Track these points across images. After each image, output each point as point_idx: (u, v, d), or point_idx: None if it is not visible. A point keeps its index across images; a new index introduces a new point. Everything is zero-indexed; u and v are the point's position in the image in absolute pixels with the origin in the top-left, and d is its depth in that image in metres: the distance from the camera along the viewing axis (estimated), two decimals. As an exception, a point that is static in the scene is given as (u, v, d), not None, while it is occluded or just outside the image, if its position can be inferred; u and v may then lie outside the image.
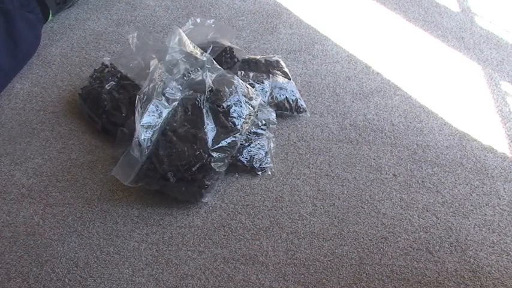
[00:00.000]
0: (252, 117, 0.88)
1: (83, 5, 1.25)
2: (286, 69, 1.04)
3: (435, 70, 1.15)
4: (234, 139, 0.84)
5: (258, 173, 0.90)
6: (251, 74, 0.98)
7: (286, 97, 0.99)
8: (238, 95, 0.87)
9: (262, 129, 0.93)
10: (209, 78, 0.86)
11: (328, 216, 0.85)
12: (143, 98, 0.82)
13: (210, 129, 0.83)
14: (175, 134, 0.82)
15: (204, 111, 0.84)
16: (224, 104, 0.85)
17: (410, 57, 1.18)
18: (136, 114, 0.81)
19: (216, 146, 0.82)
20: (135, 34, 0.98)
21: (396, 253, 0.81)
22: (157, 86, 0.83)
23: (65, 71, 1.08)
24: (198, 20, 1.01)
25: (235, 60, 1.02)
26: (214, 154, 0.81)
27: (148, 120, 0.80)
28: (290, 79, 1.02)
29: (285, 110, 0.99)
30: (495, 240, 0.83)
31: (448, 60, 1.18)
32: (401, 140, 0.98)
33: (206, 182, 0.82)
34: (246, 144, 0.90)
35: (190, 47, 0.90)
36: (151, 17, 1.23)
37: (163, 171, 0.80)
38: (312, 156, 0.94)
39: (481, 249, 0.82)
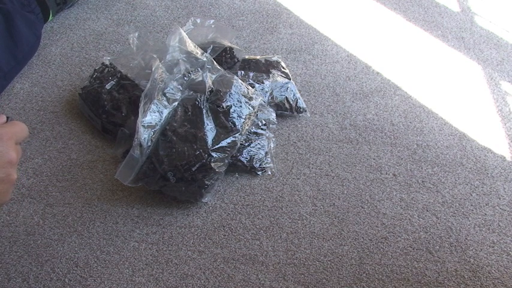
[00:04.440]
0: (252, 117, 0.88)
1: (83, 5, 1.25)
2: (286, 69, 1.04)
3: (435, 70, 1.15)
4: (234, 139, 0.84)
5: (258, 173, 0.90)
6: (251, 74, 0.98)
7: (286, 97, 0.99)
8: (238, 95, 0.87)
9: (262, 129, 0.93)
10: (209, 79, 0.86)
11: (328, 216, 0.85)
12: (145, 97, 0.82)
13: (209, 129, 0.83)
14: (175, 134, 0.82)
15: (204, 111, 0.84)
16: (224, 104, 0.85)
17: (410, 57, 1.18)
18: (139, 114, 0.81)
19: (216, 146, 0.82)
20: (136, 34, 0.98)
21: (396, 253, 0.81)
22: (158, 86, 0.83)
23: (65, 71, 1.08)
24: (198, 20, 1.01)
25: (235, 60, 1.02)
26: (214, 154, 0.81)
27: (150, 120, 0.80)
28: (290, 79, 1.02)
29: (285, 110, 0.99)
30: (495, 240, 0.83)
31: (448, 60, 1.18)
32: (401, 140, 0.98)
33: (206, 182, 0.82)
34: (246, 144, 0.90)
35: (191, 46, 0.90)
36: (151, 17, 1.23)
37: (163, 171, 0.80)
38: (312, 156, 0.94)
39: (481, 249, 0.82)
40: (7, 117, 0.55)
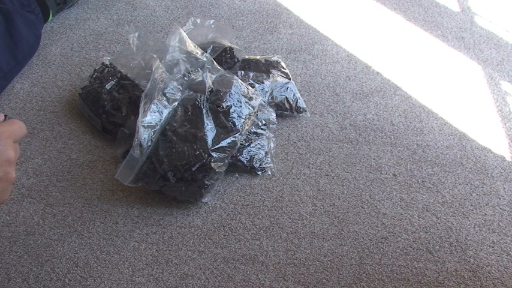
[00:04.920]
0: (252, 117, 0.88)
1: (83, 5, 1.25)
2: (286, 69, 1.04)
3: (435, 70, 1.15)
4: (234, 139, 0.84)
5: (258, 173, 0.90)
6: (251, 74, 0.98)
7: (286, 97, 0.99)
8: (238, 95, 0.87)
9: (262, 129, 0.93)
10: (209, 79, 0.86)
11: (328, 216, 0.85)
12: (145, 97, 0.82)
13: (209, 129, 0.83)
14: (175, 134, 0.82)
15: (204, 111, 0.84)
16: (224, 104, 0.85)
17: (410, 57, 1.18)
18: (140, 114, 0.81)
19: (216, 146, 0.82)
20: (136, 34, 0.98)
21: (396, 253, 0.81)
22: (158, 86, 0.83)
23: (65, 71, 1.08)
24: (198, 21, 1.01)
25: (235, 60, 1.02)
26: (214, 154, 0.81)
27: (150, 120, 0.80)
28: (290, 79, 1.02)
29: (285, 110, 0.99)
30: (495, 240, 0.83)
31: (448, 60, 1.18)
32: (401, 140, 0.98)
33: (206, 182, 0.82)
34: (246, 144, 0.90)
35: (191, 46, 0.90)
36: (151, 17, 1.23)
37: (163, 171, 0.80)
38: (312, 156, 0.94)
39: (481, 249, 0.82)
40: (5, 116, 0.55)
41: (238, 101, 0.87)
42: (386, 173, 0.92)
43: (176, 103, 0.84)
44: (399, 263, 0.79)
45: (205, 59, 0.89)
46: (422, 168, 0.93)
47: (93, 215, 0.83)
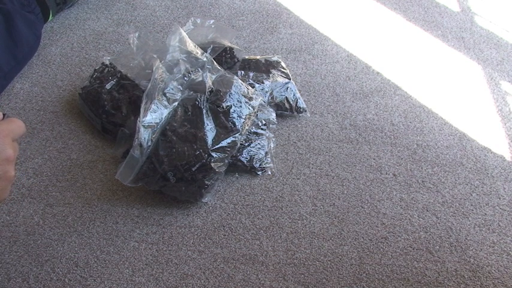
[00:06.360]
0: (252, 117, 0.88)
1: (83, 5, 1.25)
2: (286, 69, 1.04)
3: (435, 70, 1.15)
4: (234, 139, 0.84)
5: (258, 173, 0.90)
6: (251, 74, 0.98)
7: (286, 97, 0.99)
8: (238, 95, 0.87)
9: (262, 129, 0.93)
10: (209, 79, 0.86)
11: (328, 216, 0.85)
12: (146, 97, 0.82)
13: (209, 129, 0.83)
14: (175, 134, 0.82)
15: (204, 111, 0.84)
16: (224, 104, 0.85)
17: (410, 57, 1.18)
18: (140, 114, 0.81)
19: (216, 146, 0.82)
20: (136, 34, 0.98)
21: (396, 253, 0.81)
22: (158, 86, 0.83)
23: (65, 71, 1.08)
24: (198, 21, 1.01)
25: (235, 60, 1.02)
26: (214, 154, 0.81)
27: (150, 120, 0.80)
28: (290, 79, 1.02)
29: (285, 110, 0.99)
30: (495, 240, 0.83)
31: (448, 60, 1.18)
32: (401, 140, 0.98)
33: (206, 182, 0.82)
34: (246, 144, 0.90)
35: (191, 46, 0.90)
36: (151, 17, 1.23)
37: (163, 171, 0.80)
38: (312, 156, 0.94)
39: (481, 249, 0.82)
40: (3, 114, 0.54)
41: (238, 101, 0.87)
42: (386, 173, 0.92)
43: (176, 103, 0.84)
44: (399, 263, 0.80)
45: (205, 59, 0.89)
46: (422, 168, 0.93)
47: (93, 215, 0.83)
